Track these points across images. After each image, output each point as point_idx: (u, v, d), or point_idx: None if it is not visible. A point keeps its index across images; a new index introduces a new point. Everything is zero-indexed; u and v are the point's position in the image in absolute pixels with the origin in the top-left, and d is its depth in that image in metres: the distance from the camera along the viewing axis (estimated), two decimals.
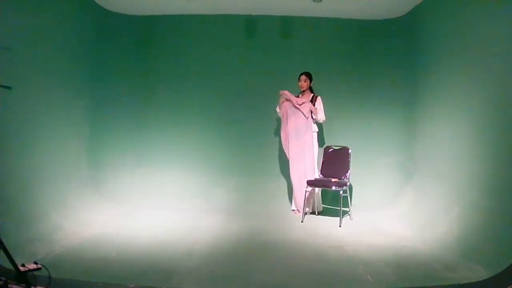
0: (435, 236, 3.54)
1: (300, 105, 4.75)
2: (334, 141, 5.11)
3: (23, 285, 2.25)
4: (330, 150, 4.96)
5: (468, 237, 3.21)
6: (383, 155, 5.24)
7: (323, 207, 4.98)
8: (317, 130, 4.90)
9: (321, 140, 5.12)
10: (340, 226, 4.25)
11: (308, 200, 4.69)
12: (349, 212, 4.69)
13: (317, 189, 4.80)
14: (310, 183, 4.53)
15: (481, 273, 2.69)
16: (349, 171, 4.69)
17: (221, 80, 5.49)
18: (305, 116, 4.74)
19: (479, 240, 3.08)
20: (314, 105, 4.82)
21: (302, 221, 4.45)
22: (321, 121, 4.84)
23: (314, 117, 4.80)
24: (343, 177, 4.66)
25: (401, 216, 4.42)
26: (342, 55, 5.49)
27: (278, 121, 5.23)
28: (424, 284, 2.63)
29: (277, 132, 5.41)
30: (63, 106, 4.35)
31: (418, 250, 3.38)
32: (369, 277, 2.75)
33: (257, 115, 5.42)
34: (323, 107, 4.84)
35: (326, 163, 4.89)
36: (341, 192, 4.40)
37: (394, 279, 2.74)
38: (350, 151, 4.79)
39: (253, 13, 5.47)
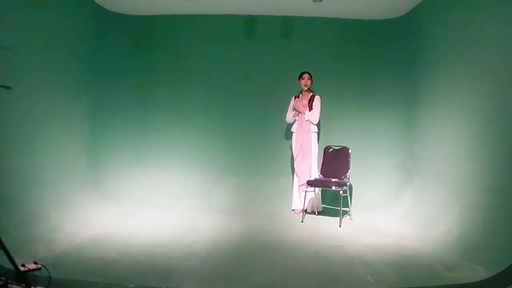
0: (435, 236, 3.54)
1: (303, 106, 4.85)
2: (334, 141, 5.11)
3: (23, 285, 2.25)
4: (330, 150, 4.96)
5: (468, 237, 3.21)
6: (383, 155, 5.24)
7: (323, 207, 4.99)
8: (317, 130, 4.90)
9: (321, 140, 5.12)
10: (340, 226, 4.25)
11: (308, 200, 4.71)
12: (349, 212, 4.70)
13: (317, 189, 4.81)
14: (310, 183, 4.53)
15: (481, 273, 2.69)
16: (349, 171, 4.69)
17: (221, 80, 5.49)
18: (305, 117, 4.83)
19: (480, 240, 3.08)
20: (312, 104, 4.84)
21: (302, 221, 4.45)
22: (313, 122, 4.84)
23: (307, 117, 4.80)
24: (343, 177, 4.66)
25: (401, 216, 4.42)
26: (342, 55, 5.49)
27: (278, 121, 5.23)
28: (424, 284, 2.63)
29: (277, 132, 5.42)
30: (63, 106, 4.36)
31: (418, 250, 3.38)
32: (369, 277, 2.75)
33: (257, 115, 5.43)
34: (320, 107, 4.85)
35: (326, 163, 4.90)
36: (341, 192, 4.40)
37: (394, 279, 2.74)
38: (350, 151, 4.80)
39: (253, 13, 5.48)
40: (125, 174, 5.26)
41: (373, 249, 3.41)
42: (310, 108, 4.84)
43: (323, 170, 4.87)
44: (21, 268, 2.28)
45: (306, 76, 4.91)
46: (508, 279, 2.50)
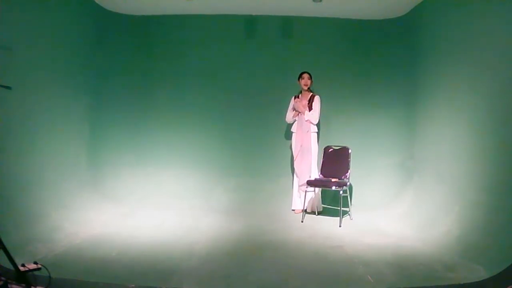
0: (435, 236, 3.54)
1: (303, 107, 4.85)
2: (334, 141, 5.11)
3: (23, 285, 2.25)
4: (330, 150, 4.96)
5: (468, 237, 3.21)
6: (383, 155, 5.24)
7: (323, 207, 4.98)
8: (317, 130, 4.90)
9: (321, 140, 5.12)
10: (340, 226, 4.25)
11: (308, 200, 4.71)
12: (349, 212, 4.70)
13: (317, 189, 4.81)
14: (310, 183, 4.53)
15: (481, 273, 2.69)
16: (349, 171, 4.69)
17: (221, 80, 5.49)
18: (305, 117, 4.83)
19: (479, 240, 3.08)
20: (311, 104, 4.84)
21: (302, 221, 4.45)
22: (313, 122, 4.84)
23: (306, 118, 4.80)
24: (343, 177, 4.66)
25: (401, 216, 4.42)
26: (342, 55, 5.49)
27: (278, 121, 5.23)
28: (424, 284, 2.63)
29: (277, 132, 5.42)
30: (63, 106, 4.36)
31: (418, 250, 3.38)
32: (369, 277, 2.75)
33: (257, 115, 5.43)
34: (319, 107, 4.84)
35: (326, 163, 4.90)
36: (341, 192, 4.40)
37: (394, 279, 2.74)
38: (350, 151, 4.80)
39: (253, 13, 5.47)
40: (125, 174, 5.26)
41: (373, 249, 3.41)
42: (310, 108, 4.84)
43: (323, 170, 4.87)
44: (21, 268, 2.28)
45: (306, 76, 4.91)
46: (508, 279, 2.50)
